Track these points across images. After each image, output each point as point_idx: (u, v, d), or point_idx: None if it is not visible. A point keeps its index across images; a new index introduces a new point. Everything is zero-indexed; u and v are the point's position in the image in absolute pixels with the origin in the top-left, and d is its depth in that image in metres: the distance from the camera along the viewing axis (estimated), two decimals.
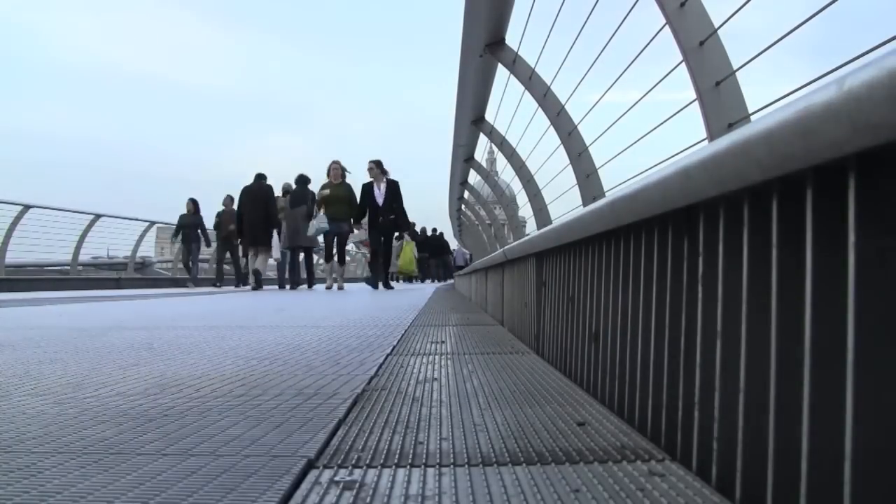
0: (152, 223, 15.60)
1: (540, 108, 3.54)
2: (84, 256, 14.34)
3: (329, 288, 9.87)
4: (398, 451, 1.07)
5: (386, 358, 2.22)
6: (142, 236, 15.30)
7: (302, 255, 10.99)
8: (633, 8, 2.14)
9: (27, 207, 12.45)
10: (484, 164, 7.99)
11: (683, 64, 1.85)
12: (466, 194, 9.61)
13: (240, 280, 11.88)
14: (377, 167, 9.47)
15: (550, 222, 4.12)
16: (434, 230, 23.41)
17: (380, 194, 9.34)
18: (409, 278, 19.61)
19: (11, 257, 12.64)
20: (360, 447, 1.10)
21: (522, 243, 2.94)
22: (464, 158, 7.44)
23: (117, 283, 13.09)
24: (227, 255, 12.36)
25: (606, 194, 2.46)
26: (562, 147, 3.40)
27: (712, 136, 1.72)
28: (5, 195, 11.78)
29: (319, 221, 9.64)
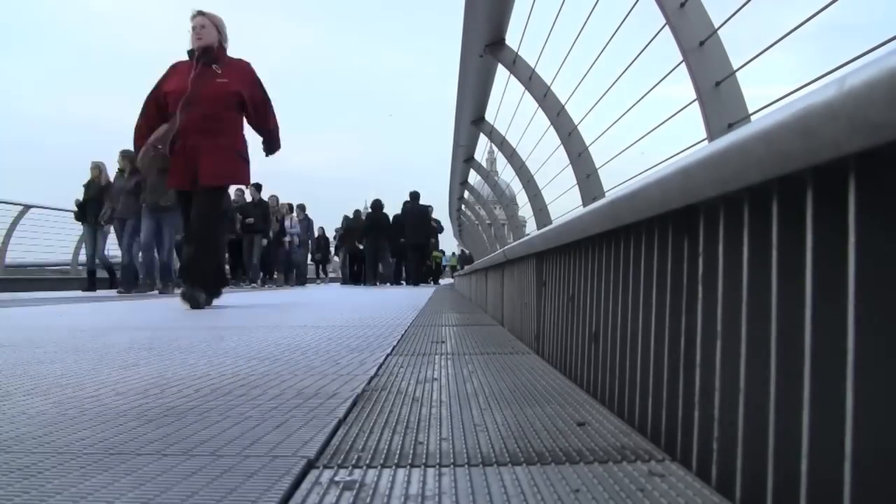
0: None
1: (540, 109, 3.54)
2: (84, 256, 14.35)
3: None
4: (398, 451, 1.07)
5: (386, 358, 2.22)
6: None
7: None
8: (633, 8, 2.14)
9: (27, 207, 12.50)
10: (484, 164, 7.99)
11: (683, 64, 1.85)
12: (466, 194, 9.61)
13: None
14: None
15: (550, 222, 4.12)
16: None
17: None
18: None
19: (11, 257, 12.66)
20: (360, 447, 1.10)
21: (522, 243, 2.94)
22: (464, 158, 7.44)
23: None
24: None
25: (606, 194, 2.46)
26: (562, 147, 3.40)
27: (712, 136, 1.72)
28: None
29: None
